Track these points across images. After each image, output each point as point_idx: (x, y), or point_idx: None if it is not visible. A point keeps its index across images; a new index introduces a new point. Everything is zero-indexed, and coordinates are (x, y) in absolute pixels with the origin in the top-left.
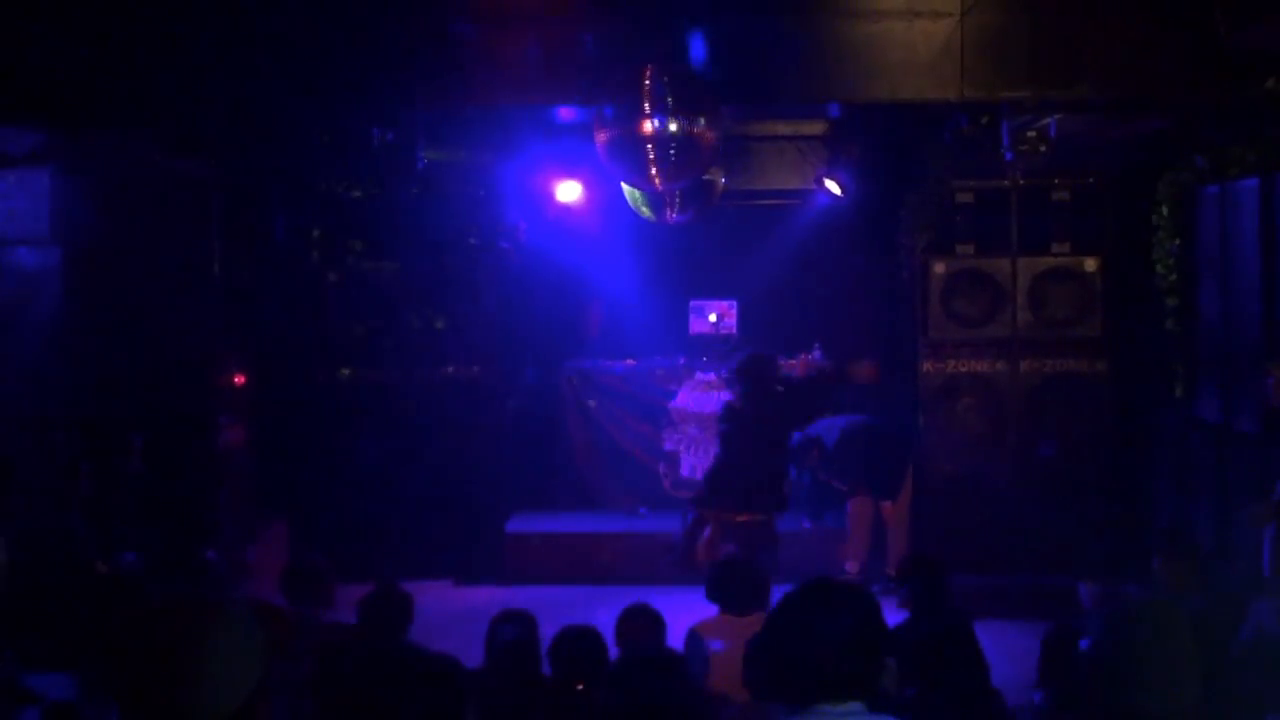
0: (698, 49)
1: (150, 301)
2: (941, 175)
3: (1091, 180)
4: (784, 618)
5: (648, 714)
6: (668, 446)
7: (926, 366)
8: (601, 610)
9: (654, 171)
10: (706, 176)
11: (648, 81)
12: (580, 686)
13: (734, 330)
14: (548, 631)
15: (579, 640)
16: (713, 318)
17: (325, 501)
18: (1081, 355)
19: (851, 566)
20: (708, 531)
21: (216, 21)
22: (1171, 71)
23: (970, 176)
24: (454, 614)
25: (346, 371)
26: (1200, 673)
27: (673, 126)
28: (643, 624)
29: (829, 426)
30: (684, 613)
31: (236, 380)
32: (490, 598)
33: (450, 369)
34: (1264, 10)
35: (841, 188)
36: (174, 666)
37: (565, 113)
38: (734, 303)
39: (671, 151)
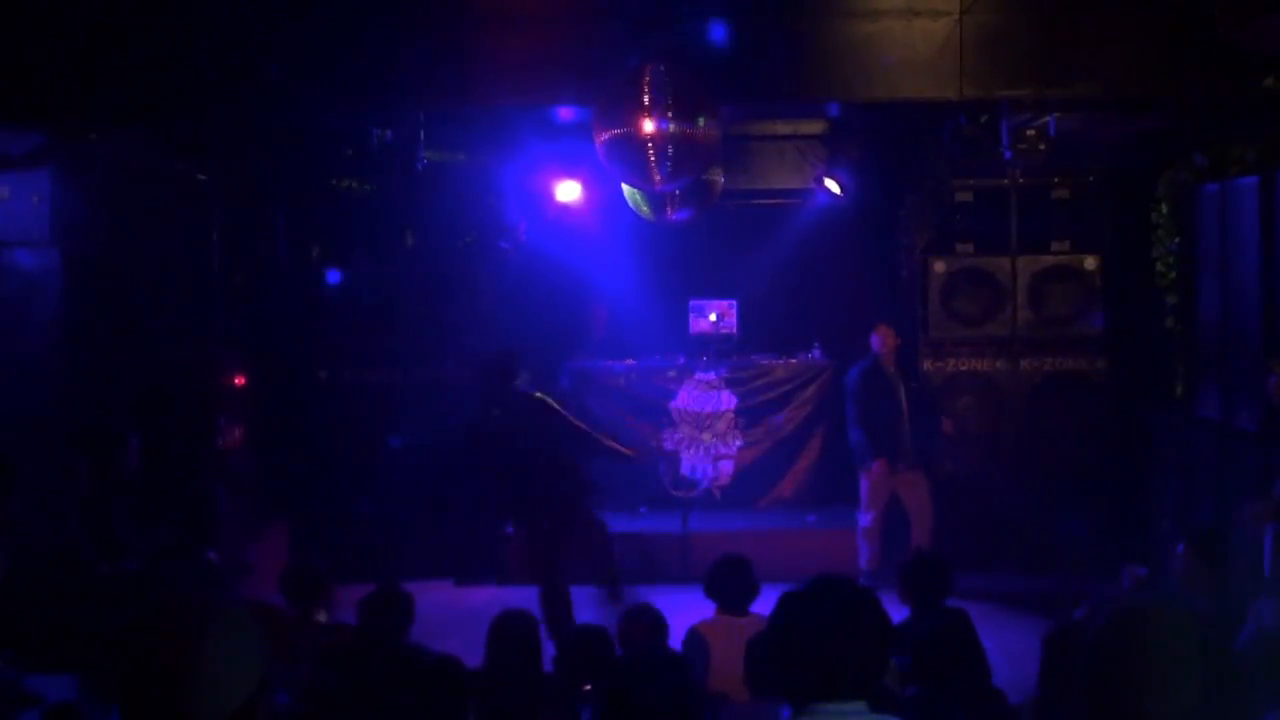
0: (697, 49)
1: (150, 302)
2: (941, 174)
3: (1091, 179)
4: (787, 616)
5: (648, 714)
6: (668, 446)
7: (926, 366)
8: (602, 610)
9: (654, 171)
10: (706, 176)
11: (648, 81)
12: (588, 687)
13: (734, 330)
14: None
15: (588, 640)
16: (713, 317)
17: (325, 501)
18: (1081, 354)
19: (866, 565)
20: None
21: (216, 22)
22: (1171, 70)
23: (970, 175)
24: (454, 614)
25: (346, 372)
26: (1200, 673)
27: (673, 126)
28: (643, 624)
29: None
30: (684, 613)
31: (236, 380)
32: (490, 598)
33: (450, 369)
34: (1264, 9)
35: (841, 187)
36: (174, 667)
37: (565, 113)
38: (734, 302)
39: (671, 151)
